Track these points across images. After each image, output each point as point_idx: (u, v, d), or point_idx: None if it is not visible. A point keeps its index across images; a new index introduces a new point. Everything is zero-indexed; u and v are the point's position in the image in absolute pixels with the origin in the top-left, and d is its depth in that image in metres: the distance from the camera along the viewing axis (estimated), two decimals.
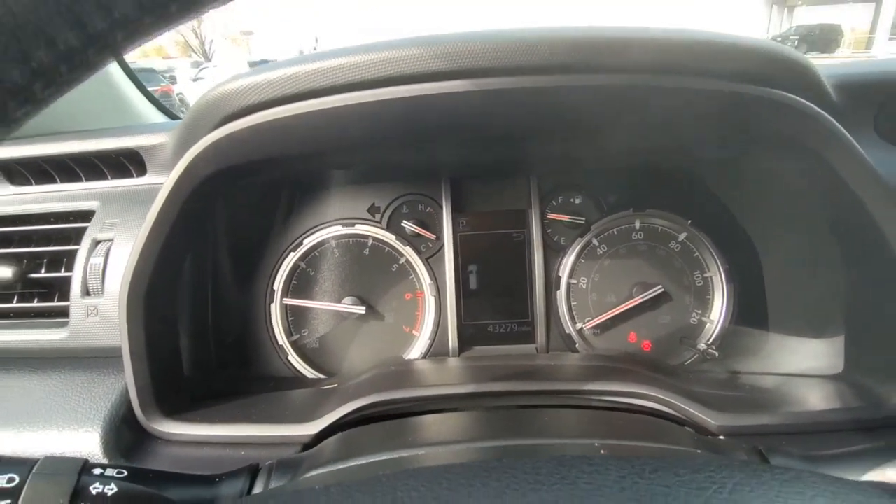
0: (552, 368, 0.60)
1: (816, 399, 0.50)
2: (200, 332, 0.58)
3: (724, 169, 0.60)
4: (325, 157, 0.55)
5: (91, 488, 0.33)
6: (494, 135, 0.49)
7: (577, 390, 0.52)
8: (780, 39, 26.12)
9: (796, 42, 24.34)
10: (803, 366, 0.56)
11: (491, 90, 0.40)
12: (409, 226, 0.66)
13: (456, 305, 0.65)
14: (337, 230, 0.67)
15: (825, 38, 23.09)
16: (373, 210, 0.67)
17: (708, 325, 0.65)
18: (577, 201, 0.66)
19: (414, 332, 0.67)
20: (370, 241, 0.67)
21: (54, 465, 0.33)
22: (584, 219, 0.65)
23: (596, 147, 0.56)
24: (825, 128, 0.45)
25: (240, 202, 0.61)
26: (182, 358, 0.55)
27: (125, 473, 0.35)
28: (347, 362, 0.67)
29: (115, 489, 0.33)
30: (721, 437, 0.46)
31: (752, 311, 0.62)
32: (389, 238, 0.66)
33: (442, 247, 0.66)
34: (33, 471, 0.32)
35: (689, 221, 0.64)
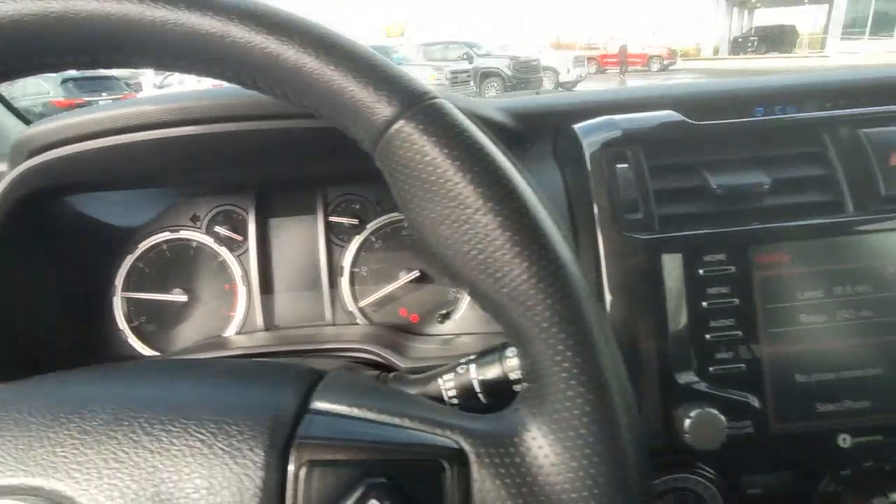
0: (328, 336, 0.78)
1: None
2: (45, 320, 0.74)
3: None
4: (131, 181, 0.73)
5: None
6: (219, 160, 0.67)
7: (334, 348, 0.70)
8: (741, 40, 27.11)
9: (756, 42, 25.35)
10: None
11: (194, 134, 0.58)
12: (222, 230, 0.83)
13: (261, 292, 0.82)
14: (166, 235, 0.83)
15: (782, 39, 24.15)
16: (194, 219, 0.84)
17: (462, 300, 0.83)
18: (357, 206, 0.84)
19: (231, 315, 0.84)
20: (194, 244, 0.84)
21: None
22: (358, 220, 0.83)
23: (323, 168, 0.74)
24: None
25: (80, 213, 0.77)
26: (21, 338, 0.71)
27: None
28: (178, 342, 0.84)
29: None
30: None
31: None
32: (208, 241, 0.83)
33: (248, 247, 0.83)
34: None
35: None
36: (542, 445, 0.31)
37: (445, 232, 0.33)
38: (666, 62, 22.58)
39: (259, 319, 0.83)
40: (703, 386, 0.57)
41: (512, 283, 0.32)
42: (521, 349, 0.33)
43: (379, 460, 0.31)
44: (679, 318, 0.57)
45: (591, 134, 0.64)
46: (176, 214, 0.84)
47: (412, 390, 0.52)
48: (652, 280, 0.57)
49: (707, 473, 0.59)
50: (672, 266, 0.57)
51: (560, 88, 15.01)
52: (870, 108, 0.62)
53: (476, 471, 0.31)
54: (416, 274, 0.82)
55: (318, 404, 0.34)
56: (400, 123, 0.31)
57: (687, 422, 0.53)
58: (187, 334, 0.84)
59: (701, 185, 0.60)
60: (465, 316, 0.82)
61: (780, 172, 0.61)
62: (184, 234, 0.84)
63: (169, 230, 0.83)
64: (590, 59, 22.23)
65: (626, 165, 0.60)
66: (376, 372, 0.63)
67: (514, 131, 0.74)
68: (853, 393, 0.58)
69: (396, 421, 0.33)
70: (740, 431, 0.56)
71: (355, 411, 0.34)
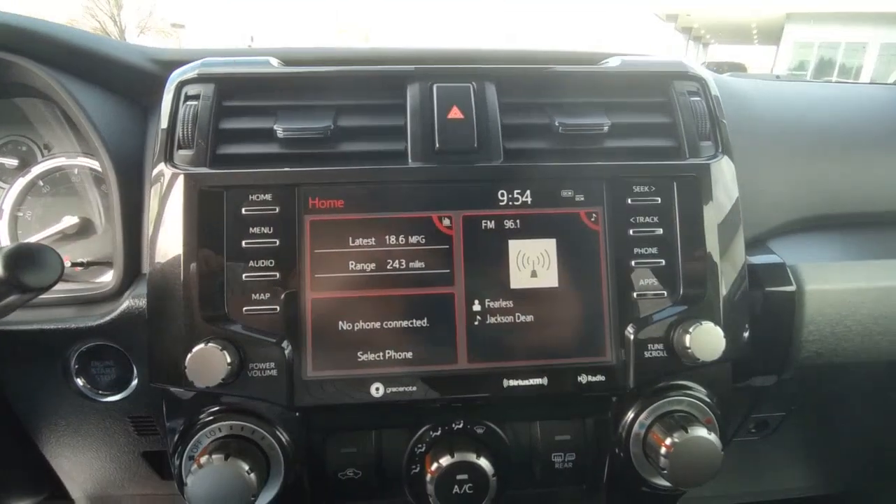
0: None
1: None
2: None
3: None
4: None
5: None
6: None
7: None
8: None
9: None
10: None
11: None
12: None
13: None
14: None
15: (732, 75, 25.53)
16: None
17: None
18: (23, 149, 0.81)
19: None
20: None
21: None
22: (18, 161, 0.80)
23: None
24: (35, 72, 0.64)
25: None
26: None
27: None
28: None
29: None
30: None
31: None
32: None
33: None
34: None
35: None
36: None
37: None
38: None
39: None
40: (228, 326, 0.56)
41: None
42: None
43: None
44: (214, 256, 0.56)
45: (179, 75, 0.63)
46: None
47: None
48: (192, 216, 0.56)
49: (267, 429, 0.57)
50: (214, 203, 0.57)
51: None
52: (456, 66, 0.63)
53: None
54: (75, 220, 0.79)
55: None
56: None
57: (188, 358, 0.52)
58: None
59: (268, 129, 0.60)
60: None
61: (351, 120, 0.61)
62: None
63: None
64: None
65: (193, 103, 0.59)
66: None
67: (151, 74, 0.72)
68: (396, 343, 0.58)
69: None
70: (263, 374, 0.55)
71: None
